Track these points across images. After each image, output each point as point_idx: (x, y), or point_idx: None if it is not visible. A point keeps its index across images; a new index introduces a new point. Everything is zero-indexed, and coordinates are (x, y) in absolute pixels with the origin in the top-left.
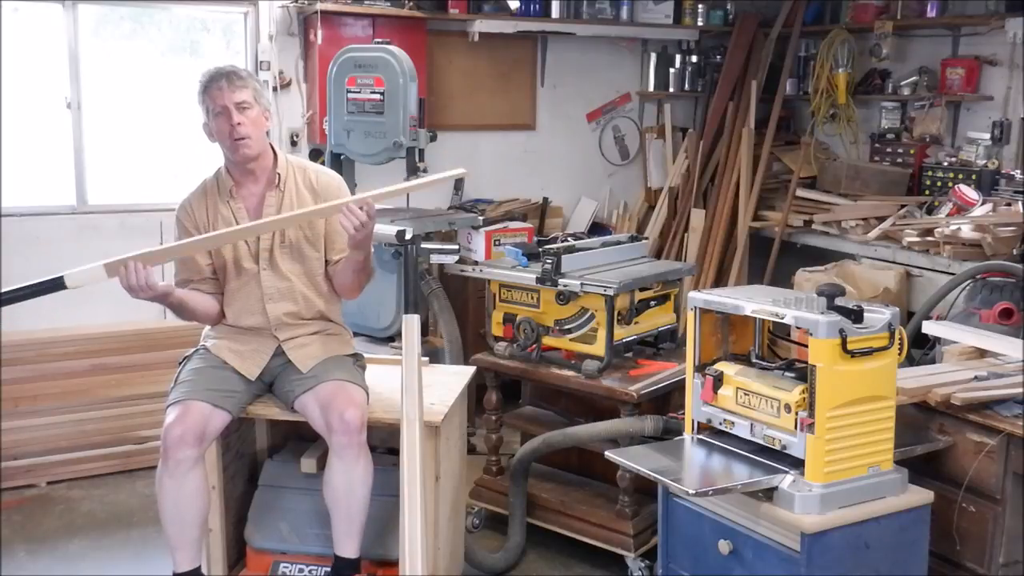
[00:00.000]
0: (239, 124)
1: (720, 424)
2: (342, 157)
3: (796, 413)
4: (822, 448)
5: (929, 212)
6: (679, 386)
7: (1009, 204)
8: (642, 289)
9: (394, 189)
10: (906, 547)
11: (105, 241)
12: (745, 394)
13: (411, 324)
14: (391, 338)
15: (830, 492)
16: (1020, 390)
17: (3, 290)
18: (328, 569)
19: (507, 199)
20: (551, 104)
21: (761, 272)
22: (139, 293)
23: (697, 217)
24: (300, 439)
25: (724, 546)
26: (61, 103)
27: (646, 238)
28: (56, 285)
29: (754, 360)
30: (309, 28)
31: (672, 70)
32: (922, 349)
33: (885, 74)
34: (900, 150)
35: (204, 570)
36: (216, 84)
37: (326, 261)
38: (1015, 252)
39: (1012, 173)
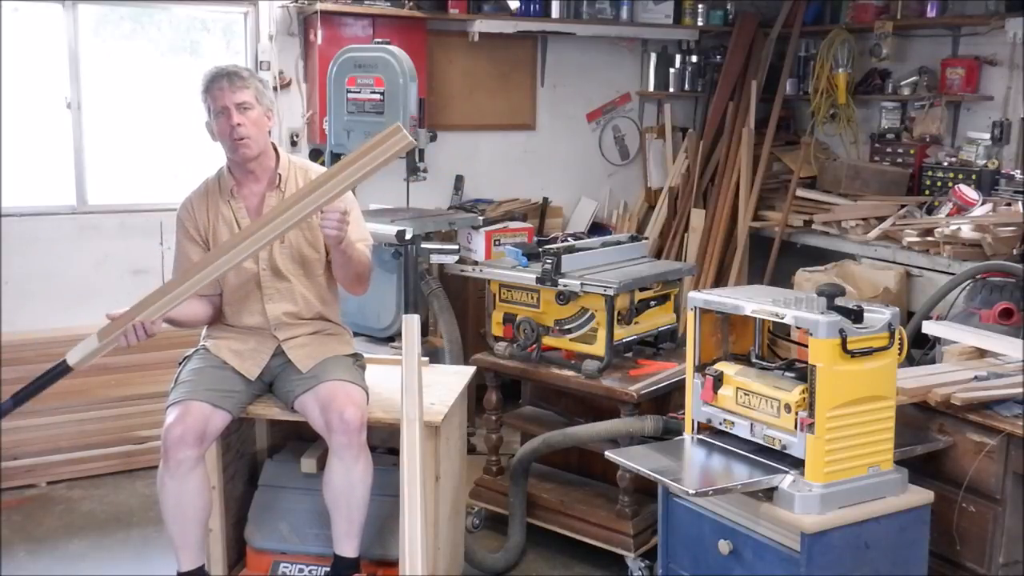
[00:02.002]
0: (239, 125)
1: (720, 424)
2: (342, 157)
3: (796, 413)
4: (822, 448)
5: (929, 212)
6: (679, 386)
7: (1009, 204)
8: (642, 289)
9: (347, 183)
10: (906, 547)
11: (105, 241)
12: (745, 394)
13: (411, 324)
14: (391, 338)
15: (830, 492)
16: (1020, 390)
17: (17, 391)
18: (328, 569)
19: (507, 199)
20: (551, 104)
21: (761, 272)
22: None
23: (697, 217)
24: (300, 439)
25: (724, 546)
26: (61, 103)
27: (646, 238)
28: (62, 371)
29: (754, 360)
30: (309, 28)
31: (672, 70)
32: (922, 349)
33: (885, 74)
34: (900, 150)
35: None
36: (217, 84)
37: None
38: (1015, 252)
39: (1012, 173)
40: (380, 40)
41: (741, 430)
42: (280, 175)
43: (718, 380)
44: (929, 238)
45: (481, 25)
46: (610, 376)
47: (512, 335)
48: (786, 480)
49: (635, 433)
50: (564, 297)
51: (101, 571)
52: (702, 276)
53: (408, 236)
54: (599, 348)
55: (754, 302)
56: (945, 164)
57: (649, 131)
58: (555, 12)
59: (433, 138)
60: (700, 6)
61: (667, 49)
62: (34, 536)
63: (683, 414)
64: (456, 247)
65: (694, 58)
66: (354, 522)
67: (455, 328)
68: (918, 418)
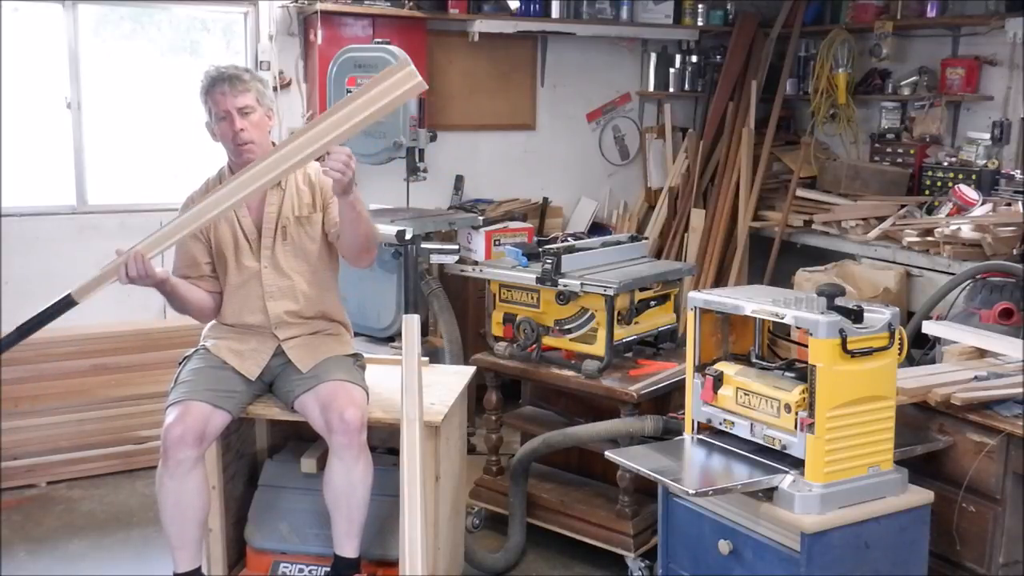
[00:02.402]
0: (242, 130)
1: (720, 424)
2: None
3: (796, 413)
4: (822, 448)
5: (929, 212)
6: (679, 386)
7: (1009, 204)
8: (642, 289)
9: (348, 125)
10: (906, 547)
11: (105, 241)
12: (745, 394)
13: (411, 324)
14: (391, 338)
15: (830, 492)
16: (1020, 390)
17: (21, 323)
18: (328, 569)
19: (507, 199)
20: (551, 104)
21: (761, 272)
22: (138, 282)
23: (697, 217)
24: (300, 439)
25: (724, 546)
26: (61, 103)
27: (646, 238)
28: (67, 304)
29: (754, 360)
30: (309, 28)
31: (672, 70)
32: (922, 349)
33: (885, 74)
34: (900, 150)
35: (204, 570)
36: (219, 88)
37: (328, 239)
38: (1015, 252)
39: (1012, 173)
40: (380, 40)
41: (741, 430)
42: None
43: (718, 380)
44: (929, 238)
45: (481, 25)
46: (610, 376)
47: (512, 335)
48: (786, 480)
49: (635, 433)
50: (564, 297)
51: (101, 571)
52: (702, 276)
53: (408, 236)
54: (599, 348)
55: (754, 302)
56: (945, 164)
57: (649, 131)
58: (555, 12)
59: (433, 138)
60: (700, 6)
61: (667, 49)
62: (34, 536)
63: (683, 414)
64: (456, 247)
65: (694, 58)
66: (354, 522)
67: (455, 328)
68: (918, 418)
